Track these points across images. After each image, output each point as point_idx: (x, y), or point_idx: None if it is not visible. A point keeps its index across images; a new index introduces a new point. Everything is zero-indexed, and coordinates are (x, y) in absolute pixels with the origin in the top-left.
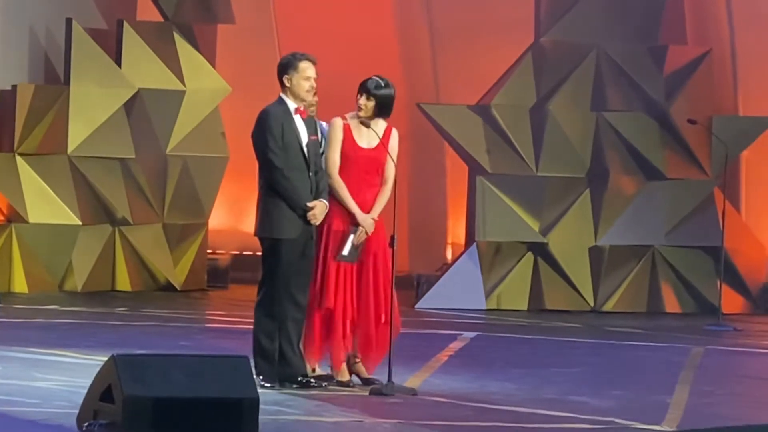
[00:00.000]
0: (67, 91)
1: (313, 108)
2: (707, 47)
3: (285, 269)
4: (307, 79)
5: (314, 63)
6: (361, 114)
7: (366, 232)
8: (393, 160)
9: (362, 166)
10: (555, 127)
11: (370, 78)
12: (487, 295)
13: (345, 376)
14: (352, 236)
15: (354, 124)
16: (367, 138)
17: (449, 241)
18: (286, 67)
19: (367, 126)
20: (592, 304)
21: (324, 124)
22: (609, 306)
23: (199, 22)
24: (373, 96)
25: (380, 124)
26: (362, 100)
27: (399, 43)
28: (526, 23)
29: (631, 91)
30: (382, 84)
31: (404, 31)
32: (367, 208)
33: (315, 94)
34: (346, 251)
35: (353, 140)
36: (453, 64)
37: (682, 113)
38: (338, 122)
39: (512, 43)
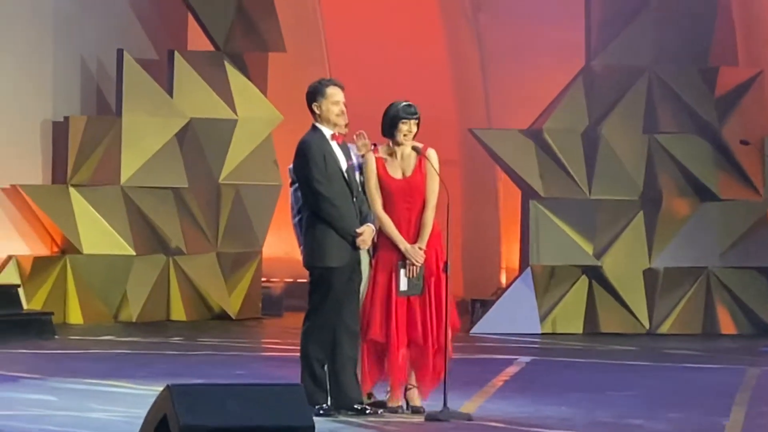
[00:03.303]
0: (119, 122)
1: (342, 132)
2: (758, 68)
3: (337, 297)
4: (336, 103)
5: (342, 88)
6: (408, 141)
7: (415, 263)
8: (435, 180)
9: (400, 197)
10: (607, 150)
11: (399, 104)
12: (542, 319)
13: (397, 402)
14: (402, 270)
15: (387, 157)
16: (401, 168)
17: (503, 265)
18: (314, 94)
19: (418, 151)
20: (647, 327)
21: (353, 148)
22: (664, 328)
23: (250, 50)
24: (417, 119)
25: (412, 150)
26: (411, 126)
27: (450, 68)
28: (576, 47)
29: (683, 112)
30: (414, 106)
31: (455, 57)
32: (412, 238)
33: (346, 123)
34: (404, 286)
35: (388, 174)
36: (504, 89)
37: (735, 134)
38: (371, 158)
39: (563, 67)
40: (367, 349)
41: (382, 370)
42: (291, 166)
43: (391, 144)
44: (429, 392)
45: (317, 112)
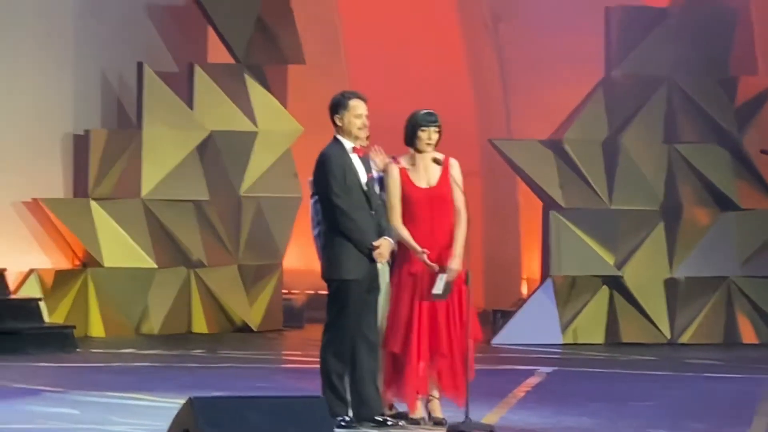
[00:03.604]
0: (139, 135)
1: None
2: None
3: (355, 309)
4: (359, 116)
5: (365, 101)
6: (429, 149)
7: (434, 270)
8: (459, 189)
9: (424, 207)
10: (628, 160)
11: (420, 113)
12: (563, 329)
13: (419, 414)
14: (444, 275)
15: (410, 167)
16: (425, 177)
17: (524, 276)
18: (336, 106)
19: (439, 163)
20: (668, 337)
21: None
22: (685, 338)
23: (270, 63)
24: (438, 127)
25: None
26: (432, 135)
27: (470, 79)
28: (596, 57)
29: (703, 122)
30: (435, 114)
31: (475, 67)
32: (442, 247)
33: (367, 135)
34: (440, 290)
35: (412, 183)
36: (524, 99)
37: (755, 144)
38: (394, 168)
39: (583, 77)
40: (387, 362)
41: (400, 377)
42: (311, 178)
43: (413, 153)
44: (463, 401)
45: (339, 124)
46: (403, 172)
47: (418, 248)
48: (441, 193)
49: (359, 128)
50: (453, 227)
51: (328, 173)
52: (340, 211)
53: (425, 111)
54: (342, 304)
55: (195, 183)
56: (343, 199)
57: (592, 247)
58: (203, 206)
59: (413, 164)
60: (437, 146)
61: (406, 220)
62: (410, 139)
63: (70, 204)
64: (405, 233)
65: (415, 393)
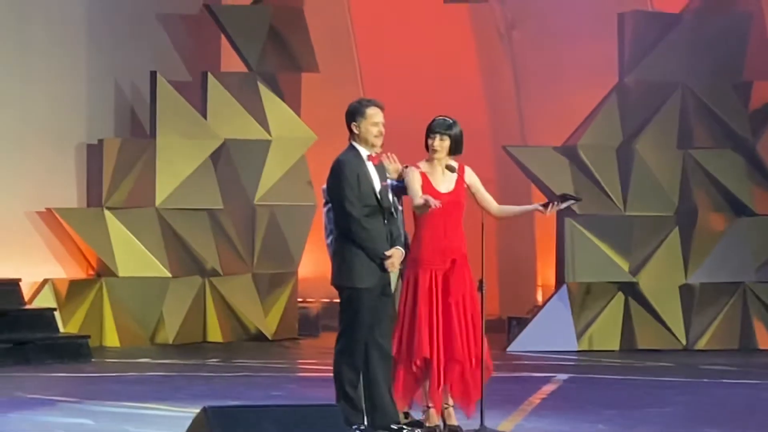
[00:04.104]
0: (153, 144)
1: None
2: None
3: (367, 317)
4: (375, 124)
5: (382, 109)
6: (437, 156)
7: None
8: (483, 189)
9: (445, 211)
10: (642, 166)
11: (435, 119)
12: (579, 336)
13: (434, 421)
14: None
15: (429, 170)
16: (444, 182)
17: (539, 283)
18: (353, 114)
19: (453, 170)
20: (684, 343)
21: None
22: (701, 344)
23: (283, 71)
24: (447, 135)
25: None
26: (437, 142)
27: (483, 86)
28: (609, 63)
29: (717, 127)
30: (450, 122)
31: (488, 74)
32: (455, 252)
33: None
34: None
35: (432, 186)
36: (538, 106)
37: None
38: (415, 171)
39: (597, 83)
40: (402, 369)
41: (417, 389)
42: (325, 186)
43: (431, 159)
44: (473, 408)
45: (356, 131)
46: (424, 176)
47: (432, 201)
48: (457, 199)
49: (375, 136)
50: (463, 235)
51: (343, 180)
52: (353, 219)
53: (438, 118)
54: (354, 312)
55: (209, 192)
56: (356, 207)
57: (607, 253)
58: (217, 215)
59: (431, 170)
60: (456, 154)
61: (422, 224)
62: (426, 145)
63: (84, 213)
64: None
65: (439, 397)
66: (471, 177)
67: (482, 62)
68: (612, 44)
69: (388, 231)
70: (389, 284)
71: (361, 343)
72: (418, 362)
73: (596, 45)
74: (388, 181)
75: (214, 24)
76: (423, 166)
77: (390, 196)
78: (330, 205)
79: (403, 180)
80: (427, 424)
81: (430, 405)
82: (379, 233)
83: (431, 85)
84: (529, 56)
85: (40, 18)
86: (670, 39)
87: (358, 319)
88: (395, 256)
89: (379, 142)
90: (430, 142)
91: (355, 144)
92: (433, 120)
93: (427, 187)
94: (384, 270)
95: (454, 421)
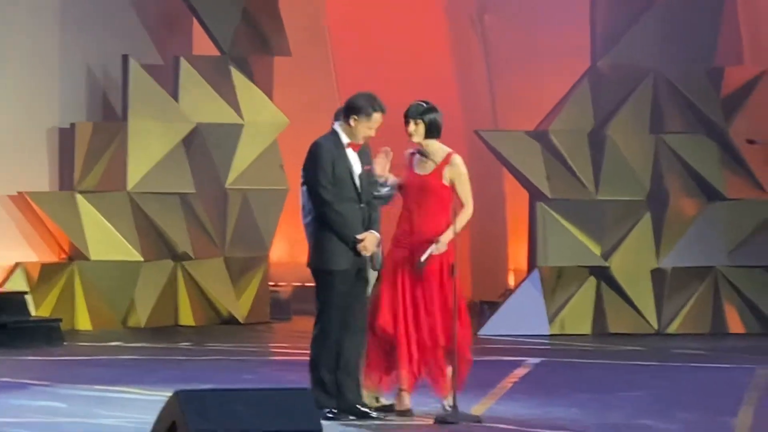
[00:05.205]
0: (125, 128)
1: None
2: (764, 67)
3: (340, 300)
4: (371, 129)
5: (385, 113)
6: (415, 140)
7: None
8: (463, 184)
9: (411, 192)
10: (614, 151)
11: (411, 104)
12: (551, 320)
13: (404, 406)
14: (434, 246)
15: (417, 155)
16: (421, 164)
17: (511, 267)
18: (358, 110)
19: (425, 155)
20: (655, 327)
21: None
22: (673, 328)
23: (256, 55)
24: (421, 120)
25: (438, 152)
26: (411, 127)
27: (455, 70)
28: (582, 48)
29: (689, 112)
30: (424, 107)
31: (460, 59)
32: (420, 236)
33: None
34: (423, 258)
35: (411, 170)
36: (510, 91)
37: (741, 133)
38: (407, 153)
39: (569, 68)
40: (373, 344)
41: (389, 364)
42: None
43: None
44: (441, 392)
45: (351, 124)
46: (411, 159)
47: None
48: (428, 184)
49: (366, 137)
50: (435, 221)
51: (317, 165)
52: (326, 204)
53: (414, 103)
54: (327, 295)
55: (181, 176)
56: (328, 191)
57: (579, 237)
58: (189, 199)
59: (422, 153)
60: (433, 137)
61: (400, 205)
62: None
63: (56, 197)
64: None
65: (409, 374)
66: (453, 170)
67: (454, 47)
68: (584, 29)
69: (366, 215)
70: (365, 267)
71: (335, 325)
72: (378, 332)
73: (569, 29)
74: (375, 168)
75: (187, 8)
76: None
77: (372, 181)
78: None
79: (387, 184)
80: (398, 408)
81: (403, 387)
82: (353, 217)
83: (403, 69)
84: (502, 41)
85: (12, 2)
86: (643, 24)
87: (332, 302)
88: (368, 239)
89: (365, 141)
90: (406, 126)
91: (338, 130)
92: (411, 105)
93: (406, 170)
94: (358, 254)
95: (405, 405)
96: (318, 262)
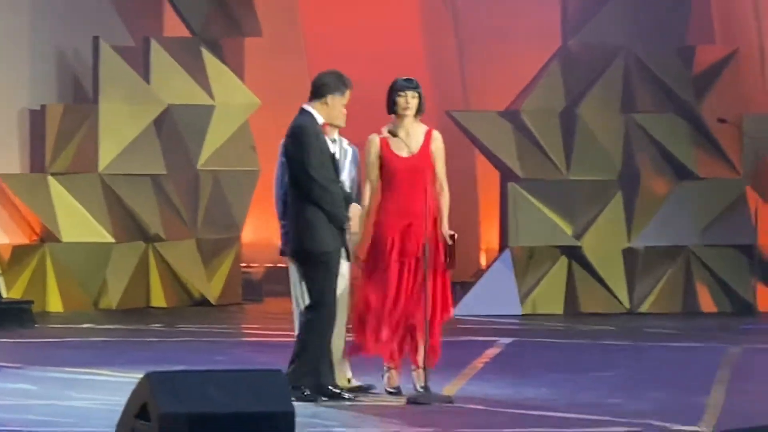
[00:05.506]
0: (96, 110)
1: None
2: (735, 46)
3: (334, 281)
4: (344, 106)
5: (351, 89)
6: (408, 113)
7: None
8: (442, 161)
9: (405, 176)
10: (585, 131)
11: (398, 79)
12: (522, 300)
13: (394, 383)
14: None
15: (391, 135)
16: (406, 146)
17: (482, 247)
18: (333, 88)
19: (395, 135)
20: (627, 306)
21: (347, 145)
22: (644, 307)
23: (227, 36)
24: (417, 92)
25: (419, 129)
26: (408, 98)
27: (426, 51)
28: (553, 27)
29: (660, 92)
30: (415, 80)
31: (431, 39)
32: (417, 216)
33: None
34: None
35: (392, 152)
36: (481, 71)
37: (712, 113)
38: (375, 138)
39: (540, 48)
40: (363, 321)
41: (375, 339)
42: (283, 142)
43: (394, 120)
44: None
45: (329, 103)
46: (384, 142)
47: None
48: (420, 163)
49: (340, 117)
50: (429, 197)
51: (305, 146)
52: (318, 184)
53: (404, 78)
54: (325, 276)
55: (152, 157)
56: (319, 172)
57: (551, 217)
58: (161, 180)
59: (395, 132)
60: (422, 114)
61: (385, 188)
62: (391, 107)
63: (27, 179)
64: (364, 219)
65: (389, 346)
66: (437, 143)
67: (425, 26)
68: (556, 8)
69: (345, 192)
70: (346, 247)
71: (333, 307)
72: (368, 310)
73: (540, 8)
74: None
75: None
76: (385, 131)
77: (347, 162)
78: (284, 159)
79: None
80: (387, 388)
81: (391, 366)
82: (339, 196)
83: (374, 49)
84: (473, 20)
85: None
86: (614, 3)
87: (329, 285)
88: (353, 213)
89: (342, 123)
90: (400, 100)
91: (311, 110)
92: (396, 80)
93: (387, 153)
94: (343, 232)
95: (423, 381)
96: (311, 244)
